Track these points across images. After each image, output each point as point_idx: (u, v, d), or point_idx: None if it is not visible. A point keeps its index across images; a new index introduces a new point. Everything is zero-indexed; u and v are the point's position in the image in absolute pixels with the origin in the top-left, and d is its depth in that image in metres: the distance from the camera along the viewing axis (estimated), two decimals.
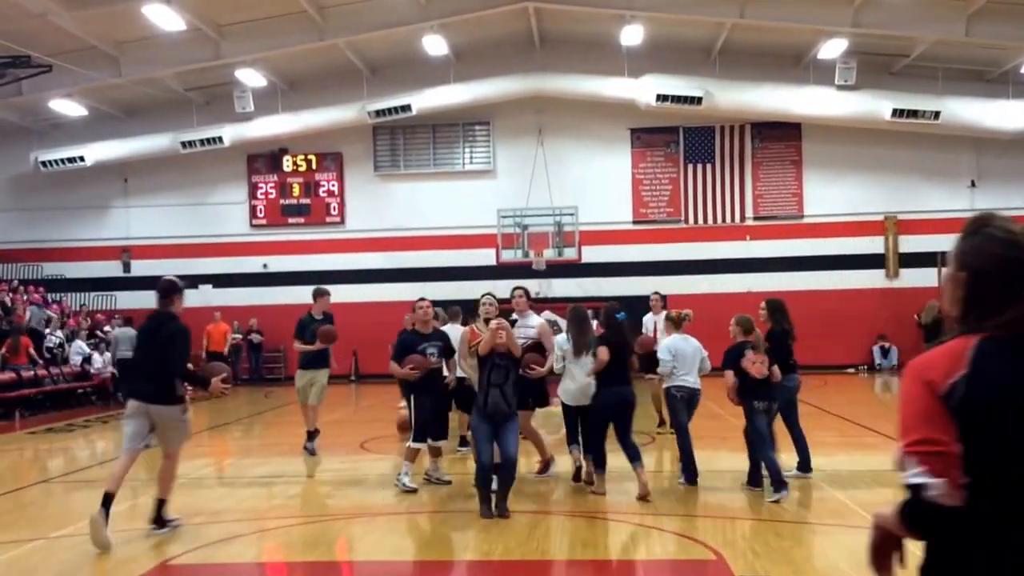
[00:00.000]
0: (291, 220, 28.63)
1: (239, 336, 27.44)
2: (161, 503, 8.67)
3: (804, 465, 10.54)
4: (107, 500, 8.09)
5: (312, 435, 13.00)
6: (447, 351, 10.47)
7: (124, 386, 12.52)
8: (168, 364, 8.47)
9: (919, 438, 2.48)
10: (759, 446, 9.91)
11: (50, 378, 21.48)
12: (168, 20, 21.38)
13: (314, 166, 28.57)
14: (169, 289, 8.94)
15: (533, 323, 10.52)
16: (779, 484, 9.44)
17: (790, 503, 9.28)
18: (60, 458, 14.57)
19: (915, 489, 2.46)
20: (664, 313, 13.33)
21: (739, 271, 27.17)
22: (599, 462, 9.87)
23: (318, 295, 13.36)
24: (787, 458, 10.49)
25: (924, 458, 2.45)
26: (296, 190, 28.58)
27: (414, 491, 10.09)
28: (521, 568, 7.42)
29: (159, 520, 8.61)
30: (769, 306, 11.25)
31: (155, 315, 8.91)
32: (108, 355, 23.40)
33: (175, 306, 8.89)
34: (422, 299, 10.66)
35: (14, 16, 20.61)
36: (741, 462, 11.86)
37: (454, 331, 11.24)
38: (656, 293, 14.78)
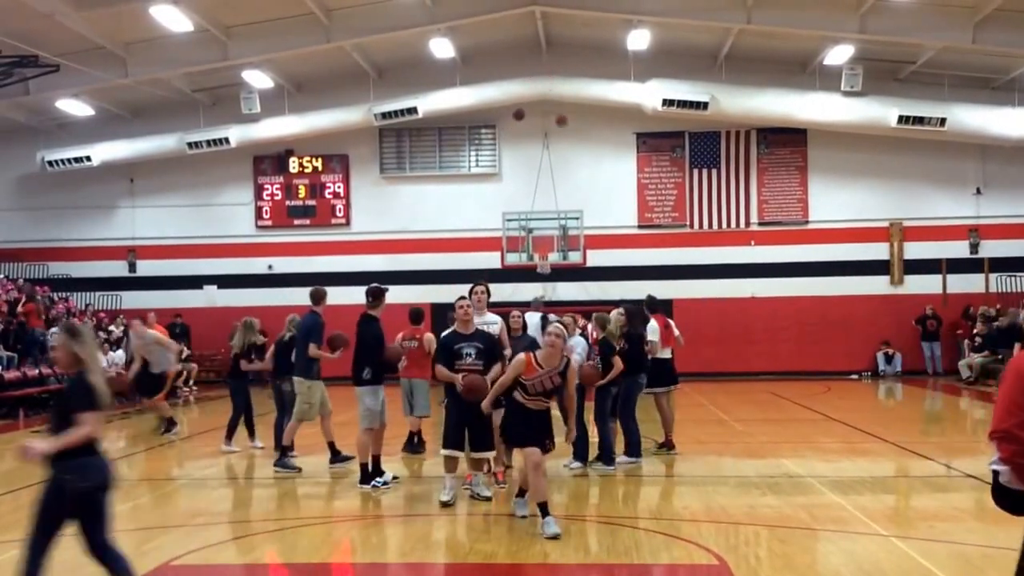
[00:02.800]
0: (297, 221, 28.66)
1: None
2: (362, 465, 10.66)
3: (635, 451, 12.03)
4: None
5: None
6: (487, 353, 9.81)
7: None
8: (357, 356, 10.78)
9: (1001, 428, 2.95)
10: (607, 425, 11.73)
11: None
12: (175, 21, 21.40)
13: (320, 168, 28.59)
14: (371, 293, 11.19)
15: (494, 320, 10.62)
16: (611, 459, 11.63)
17: (792, 508, 9.28)
18: None
19: (994, 474, 3.06)
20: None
21: (743, 276, 27.17)
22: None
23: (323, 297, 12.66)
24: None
25: (1000, 445, 2.97)
26: (302, 191, 28.61)
27: (448, 505, 9.59)
28: (524, 571, 7.44)
29: (364, 478, 10.60)
30: (627, 312, 12.36)
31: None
32: (113, 355, 23.43)
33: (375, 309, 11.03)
34: (462, 298, 10.19)
35: (22, 16, 20.64)
36: (746, 467, 11.90)
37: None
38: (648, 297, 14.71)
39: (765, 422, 17.15)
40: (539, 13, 24.06)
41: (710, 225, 27.60)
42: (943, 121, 24.54)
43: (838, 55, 24.25)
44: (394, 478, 10.80)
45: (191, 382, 25.36)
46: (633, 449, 11.99)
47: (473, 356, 9.70)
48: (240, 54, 24.17)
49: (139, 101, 27.40)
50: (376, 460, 10.85)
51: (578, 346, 11.68)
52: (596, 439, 11.84)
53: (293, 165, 28.60)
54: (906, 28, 22.79)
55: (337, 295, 27.01)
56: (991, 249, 26.87)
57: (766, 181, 27.61)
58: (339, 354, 11.95)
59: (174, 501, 10.43)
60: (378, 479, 10.63)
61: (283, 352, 13.01)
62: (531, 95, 26.54)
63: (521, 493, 9.05)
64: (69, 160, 27.64)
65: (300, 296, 26.10)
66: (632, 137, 27.85)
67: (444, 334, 10.23)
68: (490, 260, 26.19)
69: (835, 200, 27.27)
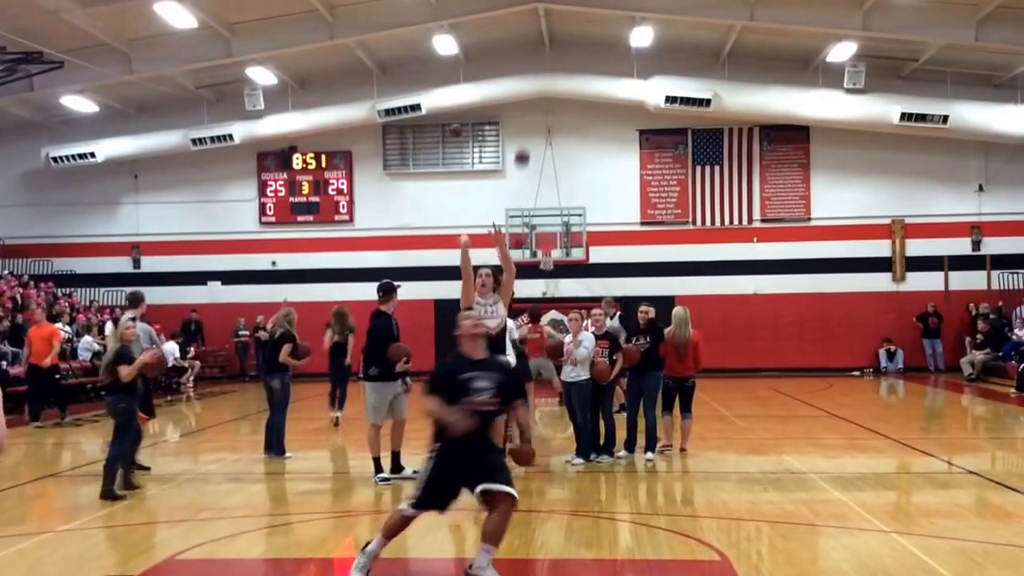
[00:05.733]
0: (300, 218, 28.70)
1: (247, 333, 27.56)
2: (394, 455, 10.95)
3: (651, 445, 12.25)
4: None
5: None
6: (505, 388, 6.86)
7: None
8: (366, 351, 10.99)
9: None
10: (613, 419, 12.32)
11: (59, 373, 21.51)
12: (180, 18, 21.46)
13: (323, 164, 28.63)
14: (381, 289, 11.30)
15: (502, 312, 10.35)
16: (611, 451, 12.12)
17: (794, 504, 9.32)
18: (68, 452, 14.66)
19: None
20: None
21: (746, 273, 27.20)
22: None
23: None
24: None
25: None
26: (305, 188, 28.65)
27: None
28: (525, 567, 7.47)
29: (392, 468, 10.87)
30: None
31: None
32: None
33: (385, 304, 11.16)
34: (469, 309, 8.95)
35: (27, 12, 20.68)
36: (748, 463, 11.93)
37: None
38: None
39: (767, 418, 17.18)
40: (542, 10, 24.07)
41: (713, 222, 27.63)
42: (945, 118, 24.54)
43: (841, 52, 24.26)
44: (414, 472, 10.72)
45: (191, 378, 25.42)
46: (650, 443, 12.11)
47: (489, 392, 6.77)
48: (244, 51, 24.22)
49: (143, 97, 27.44)
50: (395, 456, 10.91)
51: (586, 341, 11.71)
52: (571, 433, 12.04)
53: (297, 162, 28.64)
54: (909, 25, 22.80)
55: (340, 292, 27.31)
56: (993, 246, 26.89)
57: (769, 178, 27.63)
58: (305, 361, 12.97)
59: (178, 496, 10.48)
60: (381, 474, 10.67)
61: (274, 348, 12.83)
62: (534, 92, 26.59)
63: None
64: (73, 156, 27.69)
65: (303, 292, 26.46)
66: (635, 134, 27.87)
67: (443, 362, 7.18)
68: (493, 257, 26.14)
69: (837, 197, 27.29)
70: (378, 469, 10.76)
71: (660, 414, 12.43)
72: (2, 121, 27.70)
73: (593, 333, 11.95)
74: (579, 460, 11.68)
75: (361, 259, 27.50)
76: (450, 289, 25.19)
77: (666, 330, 12.39)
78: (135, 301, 13.14)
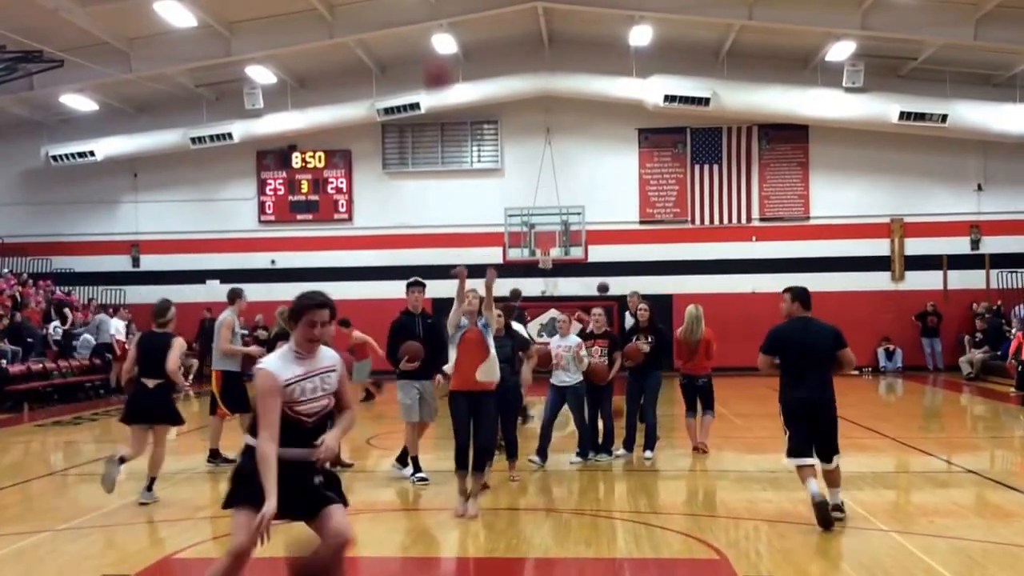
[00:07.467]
0: (299, 217, 28.71)
1: (246, 332, 27.56)
2: (412, 458, 10.73)
3: (651, 443, 12.29)
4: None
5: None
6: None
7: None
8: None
9: None
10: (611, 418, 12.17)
11: (58, 371, 21.57)
12: (179, 16, 21.47)
13: (323, 163, 28.64)
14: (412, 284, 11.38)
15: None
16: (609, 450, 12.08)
17: (792, 503, 9.32)
18: (67, 451, 14.66)
19: None
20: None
21: (745, 272, 27.18)
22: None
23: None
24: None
25: None
26: (305, 187, 28.66)
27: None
28: (525, 566, 7.48)
29: (414, 468, 10.71)
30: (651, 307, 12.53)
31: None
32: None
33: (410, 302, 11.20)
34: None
35: (27, 11, 20.70)
36: (746, 462, 11.94)
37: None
38: (635, 293, 15.25)
39: (765, 417, 17.12)
40: (541, 9, 24.08)
41: (711, 221, 27.64)
42: (944, 117, 24.55)
43: (840, 51, 24.27)
44: (422, 479, 10.61)
45: (191, 377, 25.40)
46: (649, 442, 12.14)
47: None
48: (243, 50, 24.23)
49: (143, 96, 27.44)
50: (405, 453, 10.86)
51: (574, 344, 11.61)
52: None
53: (296, 160, 28.65)
54: (908, 24, 22.83)
55: (339, 290, 27.23)
56: (992, 245, 26.91)
57: (767, 177, 27.64)
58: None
59: (177, 494, 10.49)
60: (419, 473, 10.61)
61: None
62: (533, 91, 26.60)
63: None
64: (73, 155, 27.71)
65: (301, 291, 26.47)
66: (634, 133, 27.87)
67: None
68: (493, 255, 26.20)
69: (836, 196, 27.30)
70: (416, 468, 10.63)
71: (674, 414, 12.50)
72: (2, 120, 27.71)
73: (592, 332, 11.95)
74: (576, 459, 11.67)
75: (360, 258, 27.50)
76: (449, 288, 25.15)
77: (678, 329, 12.45)
78: (233, 298, 13.04)
